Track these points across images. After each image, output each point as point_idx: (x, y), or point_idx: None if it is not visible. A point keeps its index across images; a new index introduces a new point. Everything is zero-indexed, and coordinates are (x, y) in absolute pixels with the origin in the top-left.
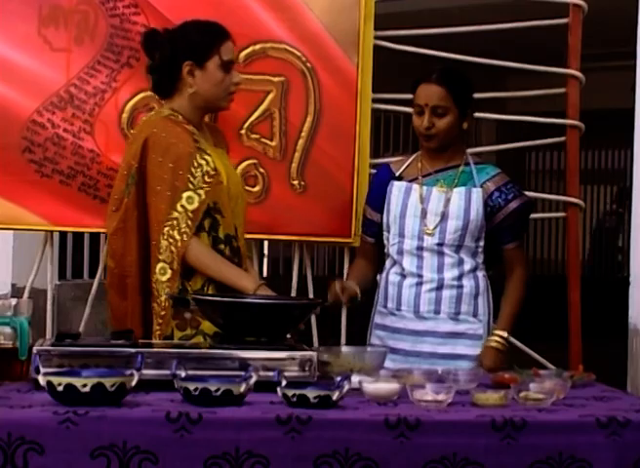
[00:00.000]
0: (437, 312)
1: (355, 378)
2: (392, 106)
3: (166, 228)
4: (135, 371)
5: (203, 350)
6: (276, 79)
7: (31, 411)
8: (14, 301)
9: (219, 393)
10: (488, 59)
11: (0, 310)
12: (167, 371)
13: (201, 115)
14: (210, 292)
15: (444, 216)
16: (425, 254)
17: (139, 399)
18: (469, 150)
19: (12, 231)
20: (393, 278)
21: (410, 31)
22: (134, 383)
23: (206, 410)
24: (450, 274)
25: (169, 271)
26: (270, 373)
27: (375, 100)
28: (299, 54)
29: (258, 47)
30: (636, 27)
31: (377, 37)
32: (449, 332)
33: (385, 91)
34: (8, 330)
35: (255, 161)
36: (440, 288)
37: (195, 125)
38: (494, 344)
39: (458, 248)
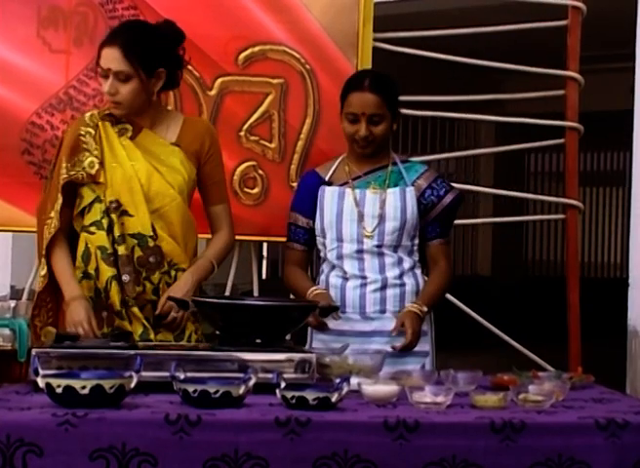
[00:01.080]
0: (383, 311)
1: (354, 380)
2: None
3: (45, 226)
4: (134, 373)
5: (202, 352)
6: (275, 81)
7: (30, 413)
8: (13, 303)
9: (218, 395)
10: (487, 61)
11: None
12: (166, 373)
13: (146, 113)
14: (112, 287)
15: (382, 218)
16: (366, 256)
17: (138, 401)
18: (468, 152)
19: (10, 233)
20: (335, 281)
21: (409, 33)
22: (133, 385)
23: (205, 412)
24: (392, 273)
25: (45, 267)
26: (269, 375)
27: None
28: (298, 55)
29: (257, 49)
30: (635, 29)
31: (376, 39)
32: None
33: None
34: (7, 331)
35: (254, 163)
36: (384, 287)
37: (139, 123)
38: (413, 309)
39: (396, 247)
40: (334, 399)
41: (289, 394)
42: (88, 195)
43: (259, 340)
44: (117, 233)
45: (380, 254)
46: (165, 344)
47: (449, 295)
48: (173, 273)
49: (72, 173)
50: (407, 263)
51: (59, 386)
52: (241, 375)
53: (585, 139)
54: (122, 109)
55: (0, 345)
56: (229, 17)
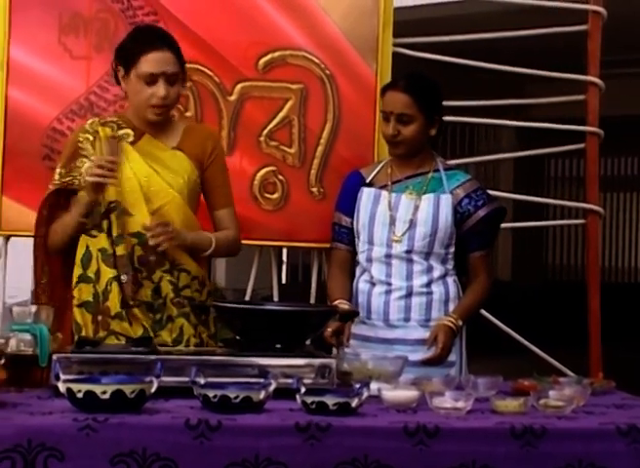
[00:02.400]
0: (407, 320)
1: (374, 385)
2: None
3: None
4: (154, 378)
5: (222, 357)
6: (295, 86)
7: (51, 418)
8: (34, 308)
9: (238, 400)
10: (507, 66)
11: (20, 317)
12: (186, 378)
13: (144, 119)
14: (113, 289)
15: (412, 224)
16: (394, 262)
17: (158, 406)
18: (488, 157)
19: (31, 238)
20: (362, 286)
21: (429, 38)
22: (153, 390)
23: (225, 417)
24: (419, 281)
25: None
26: (289, 381)
27: None
28: (317, 61)
29: (277, 54)
30: None
31: (396, 44)
32: (419, 340)
33: None
34: (28, 336)
35: (274, 168)
36: (409, 295)
37: (141, 129)
38: (448, 323)
39: (427, 255)
40: (354, 404)
41: (309, 399)
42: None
43: (278, 345)
44: (115, 233)
45: (409, 261)
46: (185, 350)
47: None
48: (176, 273)
49: (66, 179)
50: (437, 271)
51: (79, 391)
52: (261, 381)
53: (606, 144)
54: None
55: (21, 350)
56: (249, 22)
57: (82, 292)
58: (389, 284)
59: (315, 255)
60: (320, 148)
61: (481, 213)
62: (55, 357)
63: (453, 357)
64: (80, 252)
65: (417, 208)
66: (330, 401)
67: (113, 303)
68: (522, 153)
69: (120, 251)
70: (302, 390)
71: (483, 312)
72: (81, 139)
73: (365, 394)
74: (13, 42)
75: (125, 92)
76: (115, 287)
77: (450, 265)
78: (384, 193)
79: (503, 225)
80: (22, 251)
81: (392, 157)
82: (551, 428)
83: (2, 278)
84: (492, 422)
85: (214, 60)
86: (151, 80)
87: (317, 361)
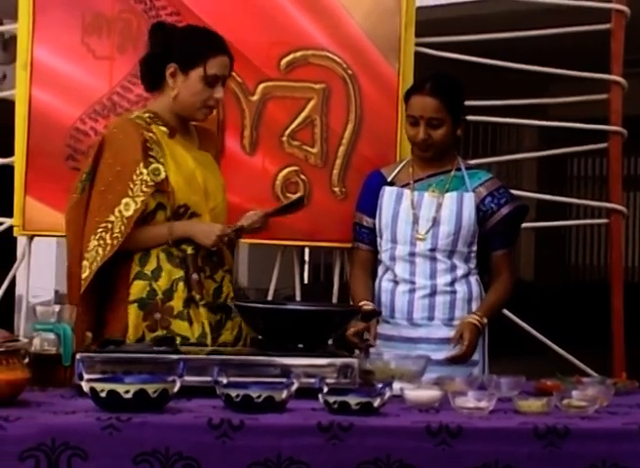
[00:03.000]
0: (431, 319)
1: (397, 385)
2: None
3: (100, 229)
4: (177, 378)
5: (245, 357)
6: (317, 86)
7: (75, 417)
8: (57, 308)
9: (260, 399)
10: (530, 65)
11: (44, 317)
12: (209, 378)
13: (181, 118)
14: (179, 289)
15: (435, 222)
16: (418, 260)
17: (181, 405)
18: (511, 157)
19: (55, 238)
20: (386, 285)
21: (451, 38)
22: (176, 389)
23: (248, 417)
24: (443, 280)
25: (87, 270)
26: (312, 380)
27: None
28: (339, 60)
29: (299, 54)
30: None
31: (418, 44)
32: (443, 339)
33: None
34: (52, 336)
35: (296, 168)
36: (433, 294)
37: (174, 127)
38: (473, 321)
39: (450, 253)
40: (376, 404)
41: (331, 399)
42: (150, 202)
43: (301, 345)
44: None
45: (433, 259)
46: (208, 349)
47: None
48: (230, 274)
49: (156, 180)
50: (460, 270)
51: (102, 390)
52: (283, 380)
53: (629, 143)
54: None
55: (45, 350)
56: (271, 22)
57: (136, 289)
58: (413, 282)
59: (337, 255)
60: (342, 148)
61: (504, 211)
62: (78, 356)
63: (476, 356)
64: (138, 251)
65: (440, 206)
66: (352, 400)
67: (177, 303)
68: (545, 153)
69: (190, 250)
70: (325, 390)
71: (505, 312)
72: (147, 138)
73: (387, 394)
74: (36, 42)
75: (172, 88)
76: (181, 286)
77: (472, 264)
78: (407, 192)
79: (526, 225)
80: (46, 250)
81: (416, 158)
82: (574, 428)
83: (26, 277)
84: (515, 422)
85: (236, 60)
86: (213, 82)
87: (339, 360)
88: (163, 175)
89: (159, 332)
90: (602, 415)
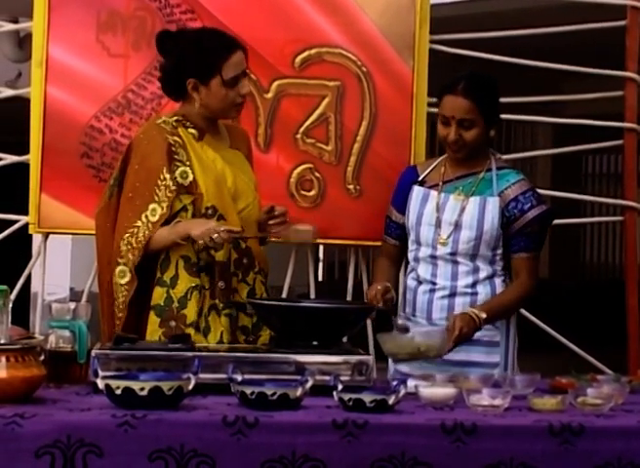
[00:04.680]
0: (449, 319)
1: (411, 383)
2: None
3: (127, 235)
4: (192, 375)
5: (259, 354)
6: (332, 83)
7: (90, 414)
8: (72, 305)
9: (275, 397)
10: (544, 62)
11: (59, 314)
12: (224, 375)
13: (210, 119)
14: (193, 297)
15: (457, 226)
16: (439, 263)
17: (195, 402)
18: (525, 154)
19: (70, 236)
20: (410, 283)
21: (465, 35)
22: (191, 387)
23: (262, 414)
24: (463, 282)
25: (128, 275)
26: (326, 378)
27: (430, 104)
28: (354, 58)
29: (313, 51)
30: None
31: (432, 41)
32: None
33: None
34: (67, 333)
35: (310, 165)
36: (453, 295)
37: (202, 128)
38: (469, 312)
39: (472, 256)
40: (391, 401)
41: (346, 396)
42: (175, 205)
43: (315, 343)
44: None
45: (454, 262)
46: (223, 346)
47: None
48: (263, 274)
49: (176, 186)
50: (484, 272)
51: (118, 388)
52: (298, 378)
53: None
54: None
55: (60, 347)
56: (286, 19)
57: (155, 295)
58: (434, 283)
59: (352, 253)
60: (357, 145)
61: (528, 216)
62: (93, 353)
63: (496, 358)
64: (160, 256)
65: (463, 210)
66: (367, 398)
67: (190, 312)
68: (560, 150)
69: (219, 257)
70: (340, 387)
71: (520, 310)
72: (172, 142)
73: (402, 391)
74: (52, 40)
75: (199, 100)
76: (195, 295)
77: (499, 266)
78: (433, 193)
79: None
80: (61, 248)
81: (449, 157)
82: (589, 426)
83: (41, 275)
84: (529, 420)
85: (251, 58)
86: (235, 83)
87: (354, 358)
88: (191, 178)
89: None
90: (617, 413)
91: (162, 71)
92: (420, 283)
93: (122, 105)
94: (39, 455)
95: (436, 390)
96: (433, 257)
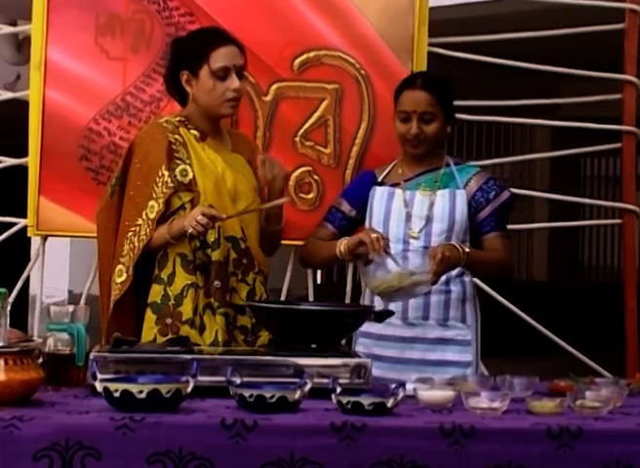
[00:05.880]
0: (425, 318)
1: (410, 386)
2: None
3: (129, 233)
4: (190, 378)
5: (258, 357)
6: (330, 86)
7: (89, 417)
8: (71, 308)
9: (274, 400)
10: (543, 65)
11: (57, 317)
12: (222, 378)
13: (211, 121)
14: (189, 295)
15: (429, 219)
16: (410, 256)
17: (194, 405)
18: (523, 157)
19: (69, 238)
20: None
21: (464, 38)
22: (189, 390)
23: (261, 417)
24: None
25: (124, 274)
26: (325, 380)
27: None
28: (353, 61)
29: (312, 54)
30: None
31: (431, 44)
32: (437, 339)
33: None
34: (65, 336)
35: (309, 168)
36: (428, 293)
37: (205, 130)
38: (453, 243)
39: None
40: (389, 404)
41: (344, 399)
42: (174, 202)
43: (314, 345)
44: (212, 238)
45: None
46: (221, 349)
47: (504, 300)
48: (262, 274)
49: (174, 183)
50: (455, 270)
51: (116, 390)
52: (297, 380)
53: None
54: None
55: (59, 349)
56: (284, 22)
57: (153, 292)
58: None
59: None
60: (355, 148)
61: (496, 202)
62: (92, 356)
63: (468, 357)
64: (159, 253)
65: (432, 203)
66: (365, 401)
67: (186, 309)
68: (558, 153)
69: (216, 256)
70: (338, 390)
71: (518, 312)
72: (173, 140)
73: (400, 394)
74: (50, 43)
75: (192, 94)
76: (191, 293)
77: None
78: (398, 191)
79: (539, 225)
80: (59, 251)
81: (405, 156)
82: (588, 429)
83: (40, 278)
84: (528, 423)
85: (249, 61)
86: (224, 75)
87: (353, 361)
88: (191, 176)
89: (170, 336)
90: (616, 416)
91: (164, 75)
92: None
93: (121, 108)
94: (37, 458)
95: (435, 393)
96: (405, 252)
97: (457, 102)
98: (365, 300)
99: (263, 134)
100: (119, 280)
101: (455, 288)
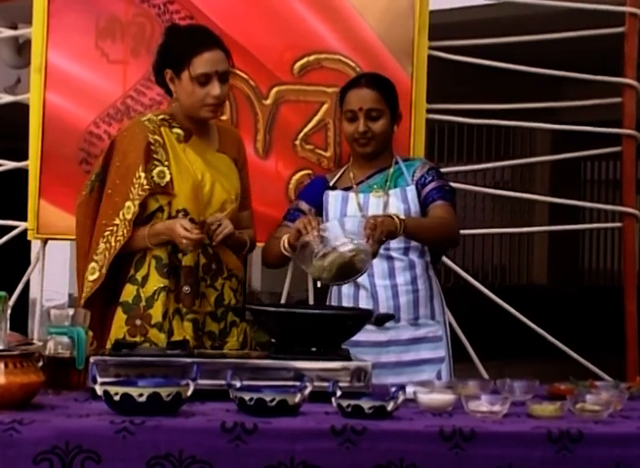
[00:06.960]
0: (397, 320)
1: (410, 389)
2: (447, 117)
3: (106, 232)
4: (190, 381)
5: (258, 361)
6: (330, 90)
7: (89, 421)
8: (71, 311)
9: (274, 403)
10: (543, 69)
11: (58, 320)
12: (222, 382)
13: (196, 119)
14: (160, 298)
15: None
16: (374, 261)
17: (194, 408)
18: (524, 160)
19: (69, 242)
20: (347, 291)
21: (464, 41)
22: (189, 393)
23: (261, 421)
24: (402, 279)
25: (97, 273)
26: (325, 384)
27: (429, 111)
28: (353, 64)
29: (312, 58)
30: None
31: (431, 47)
32: (410, 339)
33: (440, 101)
34: (65, 339)
35: (309, 171)
36: (396, 295)
37: (189, 128)
38: (390, 213)
39: (405, 250)
40: (389, 408)
41: (344, 402)
42: (151, 204)
43: (314, 349)
44: None
45: (389, 258)
46: (221, 352)
47: (504, 303)
48: (233, 280)
49: (150, 185)
50: (419, 267)
51: (116, 394)
52: (297, 384)
53: None
54: None
55: (59, 353)
56: (285, 26)
57: (125, 292)
58: (373, 285)
59: None
60: None
61: (438, 182)
62: (92, 360)
63: (441, 353)
64: (137, 254)
65: (386, 204)
66: (365, 404)
67: (156, 312)
68: (558, 156)
69: (187, 261)
70: (338, 393)
71: (519, 315)
72: (152, 141)
73: (401, 397)
74: (50, 46)
75: (175, 93)
76: (162, 297)
77: (428, 257)
78: (352, 194)
79: (539, 229)
80: (59, 254)
81: (355, 159)
82: (588, 433)
83: (40, 281)
84: (528, 426)
85: (249, 64)
86: (205, 80)
87: (353, 364)
88: (168, 178)
89: (137, 339)
90: (616, 420)
91: (152, 64)
92: (357, 288)
93: (121, 112)
94: (37, 462)
95: (435, 396)
96: (342, 218)
97: (458, 106)
98: (332, 299)
99: (264, 137)
100: (91, 278)
101: (422, 286)
